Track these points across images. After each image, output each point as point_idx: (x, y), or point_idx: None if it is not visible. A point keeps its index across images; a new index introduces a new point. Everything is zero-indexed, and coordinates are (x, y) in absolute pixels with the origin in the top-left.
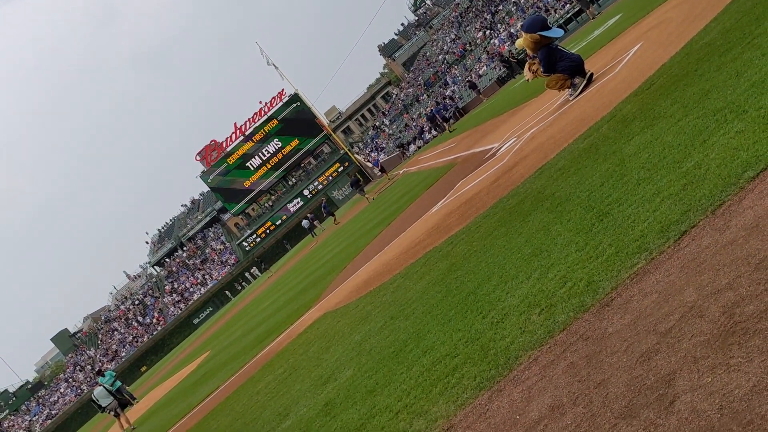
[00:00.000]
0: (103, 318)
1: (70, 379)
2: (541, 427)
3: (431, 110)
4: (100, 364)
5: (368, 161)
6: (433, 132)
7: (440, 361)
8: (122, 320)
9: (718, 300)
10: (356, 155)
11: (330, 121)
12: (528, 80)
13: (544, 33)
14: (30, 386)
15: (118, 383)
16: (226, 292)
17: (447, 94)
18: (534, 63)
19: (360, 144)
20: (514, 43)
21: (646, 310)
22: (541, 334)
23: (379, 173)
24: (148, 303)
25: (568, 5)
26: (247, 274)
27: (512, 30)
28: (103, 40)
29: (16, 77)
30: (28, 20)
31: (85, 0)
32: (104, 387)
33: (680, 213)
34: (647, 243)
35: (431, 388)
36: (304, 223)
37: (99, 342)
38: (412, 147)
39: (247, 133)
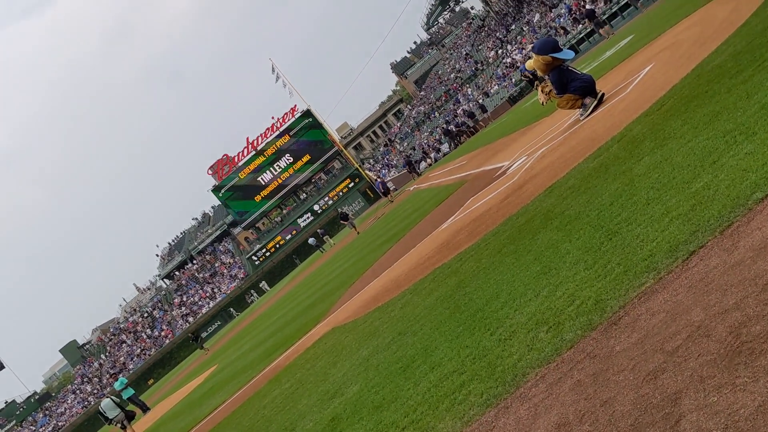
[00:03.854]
0: (111, 330)
1: (78, 391)
2: None
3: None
4: (107, 375)
5: (377, 177)
6: (443, 150)
7: (447, 378)
8: (131, 333)
9: (725, 320)
10: (367, 171)
11: (341, 137)
12: (543, 103)
13: (555, 54)
14: (37, 397)
15: (131, 391)
16: (231, 309)
17: (459, 111)
18: (546, 85)
19: (371, 160)
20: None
21: (653, 329)
22: (548, 352)
23: (382, 194)
24: (157, 316)
25: (580, 26)
26: (252, 291)
27: (517, 57)
28: (116, 54)
29: (32, 90)
30: (44, 36)
31: (99, 14)
32: (111, 399)
33: (689, 233)
34: (655, 262)
35: (438, 404)
36: (311, 240)
37: (107, 353)
38: (423, 164)
39: (258, 148)
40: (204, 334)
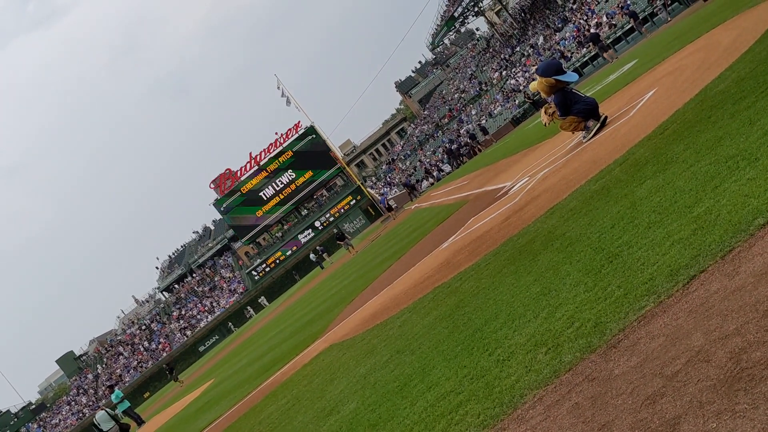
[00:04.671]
0: (109, 342)
1: (73, 402)
2: None
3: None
4: (103, 387)
5: (380, 195)
6: (443, 171)
7: (444, 397)
8: (128, 345)
9: (726, 345)
10: (369, 189)
11: (344, 154)
12: (545, 124)
13: (558, 77)
14: (32, 408)
15: (127, 403)
16: (230, 323)
17: (462, 131)
18: (550, 107)
19: (373, 178)
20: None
21: (652, 353)
22: (546, 374)
23: (386, 210)
24: (155, 328)
25: (584, 49)
26: (249, 308)
27: (520, 80)
28: (123, 67)
29: (37, 101)
30: (50, 48)
31: (107, 28)
32: (106, 411)
33: (690, 257)
34: (656, 286)
35: (434, 424)
36: (312, 256)
37: (104, 365)
38: (425, 183)
39: (261, 164)
40: (201, 348)
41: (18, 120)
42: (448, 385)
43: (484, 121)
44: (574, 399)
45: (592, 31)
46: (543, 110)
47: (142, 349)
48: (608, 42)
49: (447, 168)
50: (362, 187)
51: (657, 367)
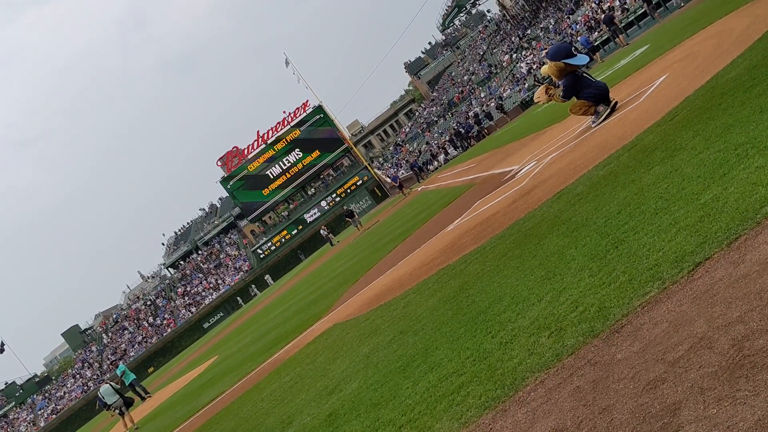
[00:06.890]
0: (114, 316)
1: (78, 375)
2: None
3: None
4: (108, 361)
5: (387, 177)
6: (450, 153)
7: (447, 378)
8: (133, 320)
9: (729, 333)
10: (375, 170)
11: (352, 134)
12: (538, 100)
13: (568, 61)
14: (37, 380)
15: (133, 375)
16: (238, 298)
17: (471, 114)
18: (551, 88)
19: (380, 159)
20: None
21: (655, 338)
22: (549, 357)
23: (398, 189)
24: (160, 304)
25: (596, 33)
26: (254, 286)
27: (534, 60)
28: (133, 45)
29: (47, 77)
30: (62, 22)
31: (118, 5)
32: (111, 385)
33: (695, 244)
34: (661, 272)
35: (436, 404)
36: (322, 231)
37: (109, 339)
38: (432, 165)
39: (269, 142)
40: (206, 325)
41: (29, 94)
42: (451, 366)
43: (492, 104)
44: (575, 383)
45: (607, 13)
46: (544, 88)
47: (146, 324)
48: (621, 26)
49: (452, 152)
50: (369, 168)
51: (659, 352)
